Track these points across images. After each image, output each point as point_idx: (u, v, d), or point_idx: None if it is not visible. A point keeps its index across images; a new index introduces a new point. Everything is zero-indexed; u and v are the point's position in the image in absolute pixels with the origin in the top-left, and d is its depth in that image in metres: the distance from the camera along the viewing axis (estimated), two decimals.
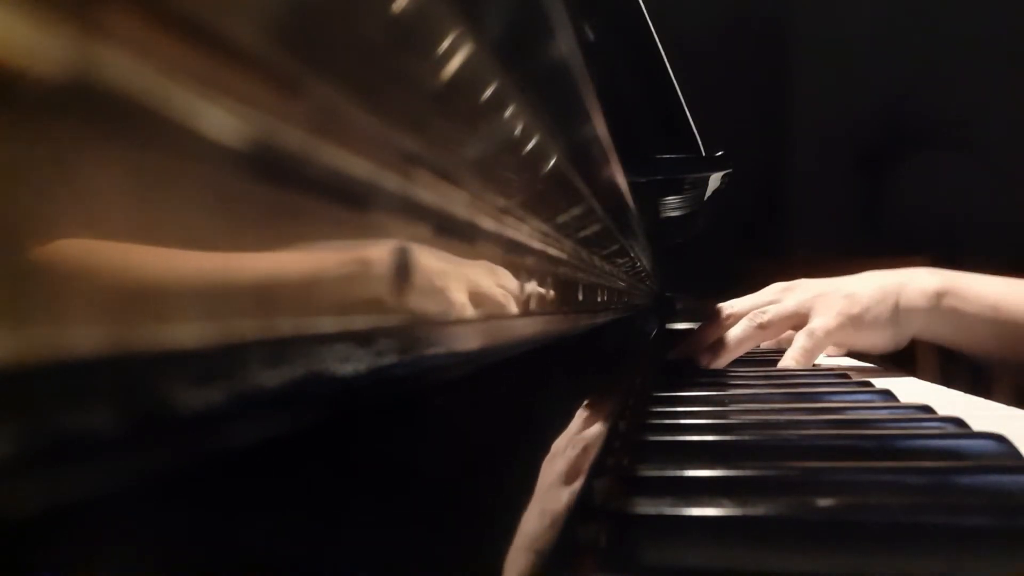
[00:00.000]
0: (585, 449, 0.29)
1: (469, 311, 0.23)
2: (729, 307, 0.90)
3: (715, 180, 1.01)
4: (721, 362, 0.85)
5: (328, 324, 0.14)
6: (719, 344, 0.85)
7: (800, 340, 0.78)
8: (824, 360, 0.90)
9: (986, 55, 2.10)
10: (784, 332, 0.85)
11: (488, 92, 0.22)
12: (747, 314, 0.87)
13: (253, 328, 0.11)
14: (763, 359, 0.93)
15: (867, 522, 0.27)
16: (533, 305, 0.33)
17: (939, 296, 0.74)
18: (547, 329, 0.38)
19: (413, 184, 0.17)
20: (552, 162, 0.32)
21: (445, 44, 0.18)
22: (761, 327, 0.84)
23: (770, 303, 0.87)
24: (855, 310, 0.76)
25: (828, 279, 0.85)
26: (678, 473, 0.34)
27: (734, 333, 0.85)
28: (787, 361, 0.77)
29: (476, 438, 0.24)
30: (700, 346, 0.87)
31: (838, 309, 0.77)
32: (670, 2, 1.19)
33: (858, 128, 2.27)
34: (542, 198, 0.33)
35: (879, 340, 0.77)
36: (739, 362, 0.89)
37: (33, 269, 0.07)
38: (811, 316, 0.81)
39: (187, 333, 0.09)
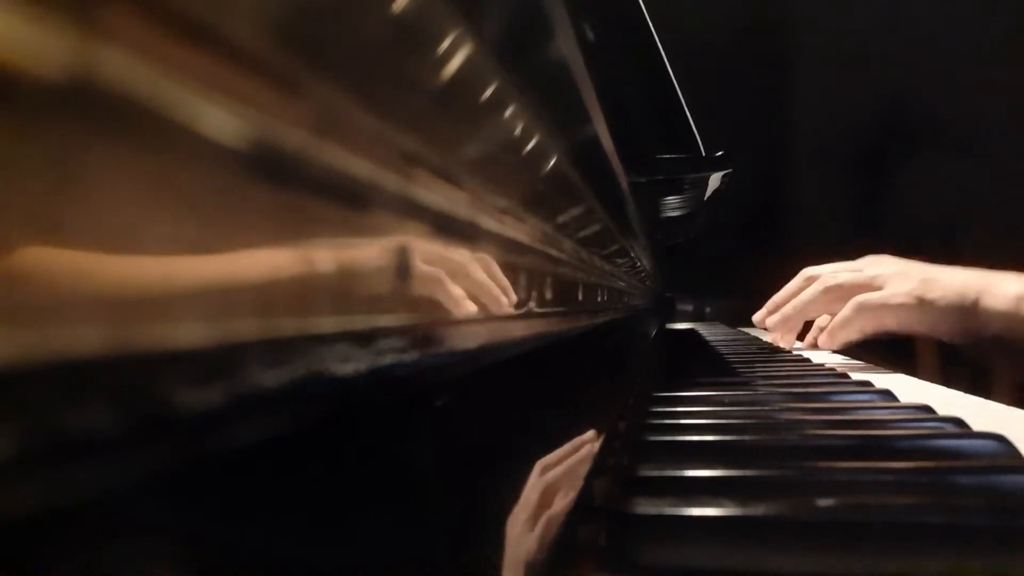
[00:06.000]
0: (585, 449, 0.29)
1: (469, 311, 0.23)
2: (812, 271, 0.92)
3: (715, 180, 1.01)
4: (789, 326, 0.88)
5: (328, 324, 0.14)
6: (788, 308, 0.89)
7: (844, 311, 0.77)
8: (824, 358, 0.90)
9: (986, 55, 2.10)
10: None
11: (488, 92, 0.22)
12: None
13: (253, 328, 0.11)
14: (763, 359, 0.93)
15: (867, 522, 0.27)
16: (533, 305, 0.33)
17: (1019, 300, 0.74)
18: (547, 329, 0.38)
19: (413, 184, 0.17)
20: (552, 162, 0.32)
21: (445, 44, 0.18)
22: (828, 291, 0.84)
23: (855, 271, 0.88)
24: (930, 295, 0.76)
25: (920, 263, 0.84)
26: (678, 473, 0.34)
27: (802, 297, 0.87)
28: (808, 340, 0.79)
29: (476, 438, 0.24)
30: (772, 307, 0.92)
31: (909, 289, 0.76)
32: (670, 2, 1.19)
33: (858, 128, 2.27)
34: (542, 198, 0.33)
35: (945, 328, 0.76)
36: (739, 362, 0.89)
37: (33, 268, 0.07)
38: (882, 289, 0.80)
39: (187, 333, 0.09)
